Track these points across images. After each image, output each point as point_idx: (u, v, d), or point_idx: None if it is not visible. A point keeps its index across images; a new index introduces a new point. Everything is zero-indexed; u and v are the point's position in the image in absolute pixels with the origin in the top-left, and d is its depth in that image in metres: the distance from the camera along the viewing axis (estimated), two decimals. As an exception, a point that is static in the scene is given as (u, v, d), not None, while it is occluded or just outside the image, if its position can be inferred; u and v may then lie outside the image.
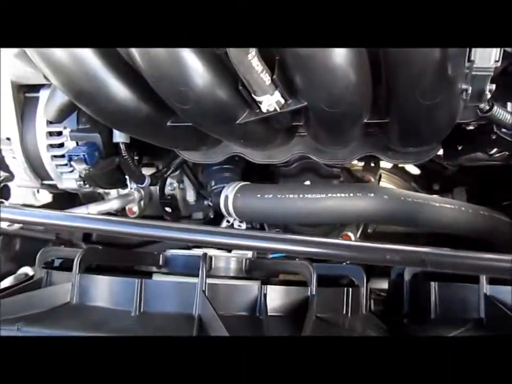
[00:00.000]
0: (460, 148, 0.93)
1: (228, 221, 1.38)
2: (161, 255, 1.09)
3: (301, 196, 1.18)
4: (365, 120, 0.87)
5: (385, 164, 1.90)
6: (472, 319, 0.90)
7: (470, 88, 0.69)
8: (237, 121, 0.85)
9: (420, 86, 0.72)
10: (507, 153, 1.57)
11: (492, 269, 0.44)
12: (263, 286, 0.87)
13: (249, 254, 1.33)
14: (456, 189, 1.94)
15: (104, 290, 0.90)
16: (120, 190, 1.41)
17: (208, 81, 0.78)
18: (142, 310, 0.86)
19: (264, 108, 0.81)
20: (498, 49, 0.66)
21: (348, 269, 1.15)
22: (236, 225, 1.38)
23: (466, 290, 0.95)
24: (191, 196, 1.53)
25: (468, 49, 0.67)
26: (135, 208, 1.52)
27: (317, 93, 0.77)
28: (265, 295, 0.87)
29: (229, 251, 1.31)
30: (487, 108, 0.72)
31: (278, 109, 0.81)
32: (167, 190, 1.50)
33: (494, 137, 0.88)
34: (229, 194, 1.23)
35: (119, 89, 0.85)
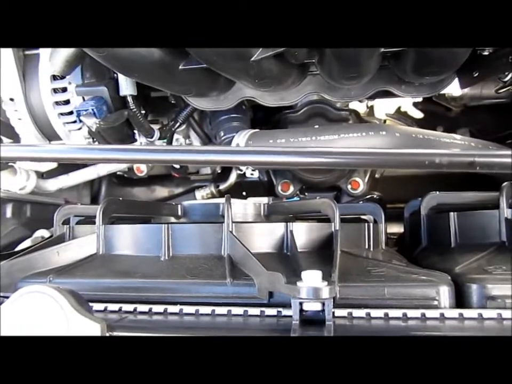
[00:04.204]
0: (475, 75, 0.92)
1: (240, 170, 1.37)
2: (179, 205, 1.09)
3: (314, 138, 1.17)
4: (382, 50, 0.85)
5: (388, 110, 1.90)
6: (494, 243, 0.91)
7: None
8: (252, 59, 0.83)
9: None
10: (512, 89, 1.56)
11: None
12: (288, 223, 0.88)
13: (266, 199, 1.34)
14: (460, 130, 1.94)
15: (130, 239, 0.90)
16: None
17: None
18: (171, 254, 0.86)
19: (281, 41, 0.79)
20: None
21: (366, 207, 1.16)
22: (248, 174, 1.37)
23: (486, 217, 0.96)
24: (198, 150, 1.52)
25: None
26: (143, 167, 1.51)
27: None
28: (291, 232, 0.87)
29: (245, 198, 1.32)
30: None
31: (295, 42, 0.79)
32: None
33: (511, 59, 0.87)
34: (240, 142, 1.22)
35: (128, 33, 0.82)
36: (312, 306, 0.63)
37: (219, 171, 1.62)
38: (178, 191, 1.84)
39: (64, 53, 0.96)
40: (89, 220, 1.10)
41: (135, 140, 1.28)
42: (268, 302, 0.72)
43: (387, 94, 1.06)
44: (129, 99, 1.12)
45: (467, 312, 0.66)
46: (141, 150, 0.78)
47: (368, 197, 1.42)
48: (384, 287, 0.72)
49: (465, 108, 1.88)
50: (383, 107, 1.77)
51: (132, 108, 1.13)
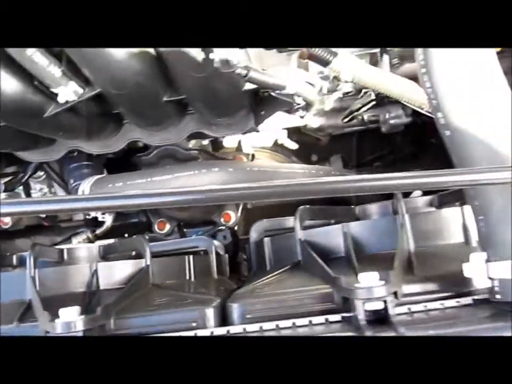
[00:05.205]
0: (262, 113, 1.03)
1: (88, 215, 1.43)
2: (14, 256, 1.13)
3: (149, 179, 1.25)
4: (165, 99, 0.95)
5: (266, 143, 2.02)
6: (293, 263, 1.01)
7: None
8: (45, 115, 0.91)
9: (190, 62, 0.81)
10: (361, 117, 1.73)
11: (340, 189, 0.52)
12: (92, 264, 0.94)
13: (112, 241, 1.39)
14: (333, 157, 2.09)
15: None
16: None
17: (2, 79, 0.83)
18: (-22, 305, 0.90)
19: (61, 99, 0.87)
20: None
21: (197, 240, 1.25)
22: (100, 218, 1.43)
23: (289, 239, 1.06)
24: (63, 198, 1.56)
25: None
26: (7, 219, 1.54)
27: (103, 80, 0.84)
28: (95, 271, 0.94)
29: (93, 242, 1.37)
30: (244, 72, 0.81)
31: (76, 98, 0.88)
32: (38, 195, 1.53)
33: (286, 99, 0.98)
34: (85, 189, 1.28)
35: None
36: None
37: (90, 217, 1.66)
38: (60, 239, 1.86)
39: None
40: None
41: (-21, 195, 1.32)
42: (47, 340, 0.77)
43: (203, 134, 1.16)
44: (-39, 157, 1.17)
45: (217, 330, 0.74)
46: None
47: (219, 228, 1.50)
48: (156, 315, 0.79)
49: (334, 136, 2.03)
50: (250, 141, 1.89)
51: (-36, 164, 1.17)
